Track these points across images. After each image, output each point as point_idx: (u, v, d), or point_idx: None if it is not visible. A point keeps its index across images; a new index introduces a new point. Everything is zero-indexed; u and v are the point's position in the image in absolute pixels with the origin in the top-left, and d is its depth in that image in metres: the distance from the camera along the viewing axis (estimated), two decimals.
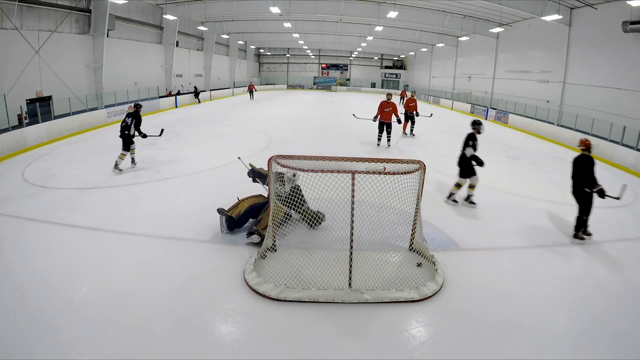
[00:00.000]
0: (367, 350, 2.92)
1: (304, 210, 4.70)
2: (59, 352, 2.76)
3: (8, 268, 3.87)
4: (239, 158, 5.85)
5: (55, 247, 4.34)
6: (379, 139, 10.49)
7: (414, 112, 12.61)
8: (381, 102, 10.15)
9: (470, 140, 5.72)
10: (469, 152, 5.70)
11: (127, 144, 7.72)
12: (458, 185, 5.98)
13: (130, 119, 7.67)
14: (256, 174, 5.21)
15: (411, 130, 12.71)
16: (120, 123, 7.88)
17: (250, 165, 5.38)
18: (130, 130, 7.66)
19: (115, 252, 4.26)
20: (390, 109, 10.07)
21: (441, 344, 3.01)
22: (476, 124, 5.83)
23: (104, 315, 3.16)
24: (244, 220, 4.80)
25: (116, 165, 7.64)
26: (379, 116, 10.15)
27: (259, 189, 5.39)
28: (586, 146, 4.87)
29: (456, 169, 6.01)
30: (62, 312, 3.19)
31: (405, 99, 13.63)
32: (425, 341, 3.05)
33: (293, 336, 3.06)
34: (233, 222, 4.74)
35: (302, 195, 4.53)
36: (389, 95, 10.23)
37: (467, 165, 5.80)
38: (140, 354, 2.78)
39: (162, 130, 8.60)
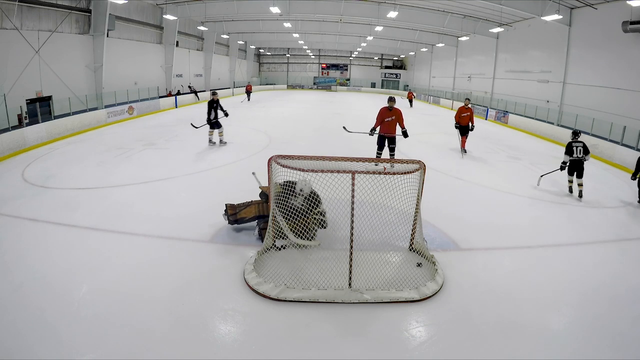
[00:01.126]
0: (367, 350, 2.92)
1: (314, 216, 4.47)
2: (59, 352, 2.75)
3: (8, 268, 3.87)
4: (253, 174, 5.32)
5: (55, 247, 4.34)
6: (378, 157, 8.02)
7: (469, 125, 9.94)
8: (381, 110, 7.87)
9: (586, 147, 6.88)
10: (589, 157, 6.87)
11: (215, 127, 9.92)
12: (581, 185, 6.88)
13: (210, 108, 9.63)
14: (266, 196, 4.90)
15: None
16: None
17: (260, 188, 5.05)
18: (210, 116, 9.66)
19: (115, 252, 4.26)
20: (394, 117, 7.80)
21: (441, 344, 3.01)
22: (575, 134, 7.05)
23: (104, 315, 3.16)
24: (247, 222, 4.81)
25: (222, 142, 10.18)
26: (377, 128, 7.91)
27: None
28: None
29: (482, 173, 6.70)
30: (62, 312, 3.18)
31: (458, 107, 10.46)
32: (425, 341, 3.05)
33: (293, 336, 3.05)
34: (234, 221, 4.76)
35: (318, 200, 4.39)
36: (391, 100, 7.85)
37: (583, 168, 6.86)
38: (140, 354, 2.78)
39: (199, 125, 10.55)
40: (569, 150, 6.84)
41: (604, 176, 8.95)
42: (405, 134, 7.96)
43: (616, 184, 8.12)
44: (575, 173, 6.84)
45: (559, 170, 7.07)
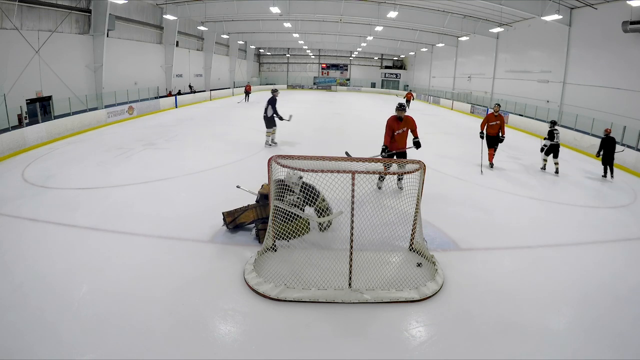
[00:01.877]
0: (367, 350, 2.92)
1: (318, 206, 4.59)
2: (59, 352, 2.75)
3: (8, 268, 3.87)
4: (238, 187, 5.24)
5: (55, 247, 4.34)
6: (382, 178, 6.51)
7: (499, 135, 8.39)
8: (388, 121, 6.39)
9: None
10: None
11: (268, 125, 9.63)
12: (557, 163, 8.49)
13: (267, 104, 9.42)
14: (266, 196, 4.96)
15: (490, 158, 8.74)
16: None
17: (255, 192, 5.13)
18: (267, 112, 9.41)
19: (115, 252, 4.26)
20: (405, 129, 6.41)
21: (441, 344, 3.01)
22: (554, 124, 8.60)
23: (104, 315, 3.15)
24: (247, 225, 4.84)
25: (267, 142, 9.86)
26: (387, 145, 6.42)
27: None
28: (607, 132, 8.32)
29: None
30: (62, 312, 3.18)
31: (486, 114, 9.06)
32: (425, 341, 3.05)
33: (293, 336, 3.05)
34: (234, 227, 4.79)
35: (314, 189, 4.43)
36: (401, 108, 6.37)
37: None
38: (140, 354, 2.78)
39: (291, 116, 10.26)
40: (550, 135, 8.36)
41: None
42: (417, 145, 6.35)
43: (616, 184, 8.12)
44: (552, 154, 8.42)
45: (540, 151, 8.66)
